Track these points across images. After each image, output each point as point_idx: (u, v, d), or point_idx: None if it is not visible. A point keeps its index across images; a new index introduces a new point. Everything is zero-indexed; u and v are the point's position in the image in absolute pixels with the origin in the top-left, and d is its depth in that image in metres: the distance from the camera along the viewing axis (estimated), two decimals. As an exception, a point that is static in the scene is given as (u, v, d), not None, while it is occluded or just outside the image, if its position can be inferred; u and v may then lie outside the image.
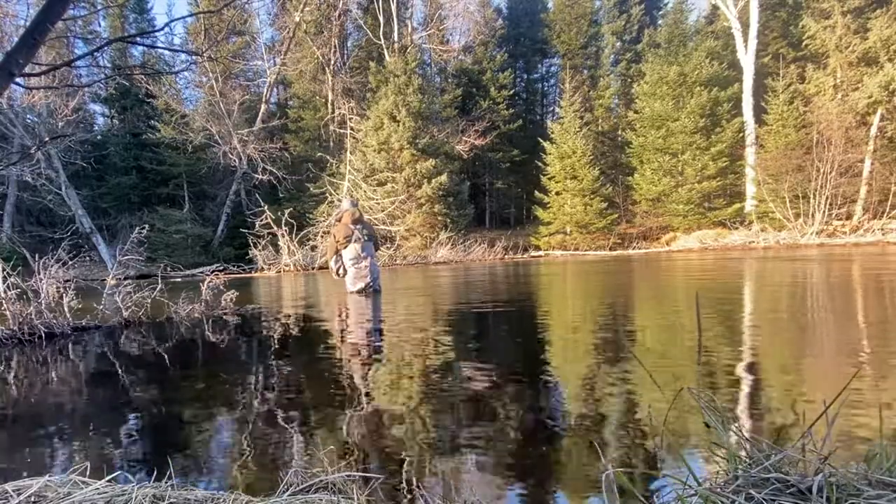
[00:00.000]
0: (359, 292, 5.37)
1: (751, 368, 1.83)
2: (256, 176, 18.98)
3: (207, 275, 6.49)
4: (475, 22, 26.48)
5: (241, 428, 1.44)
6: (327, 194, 17.52)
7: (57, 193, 17.01)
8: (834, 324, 2.68)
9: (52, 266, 3.79)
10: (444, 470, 1.10)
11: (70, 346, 3.00)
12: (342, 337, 3.00)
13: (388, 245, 15.72)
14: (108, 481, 0.91)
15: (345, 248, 5.46)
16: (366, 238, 5.46)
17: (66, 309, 3.51)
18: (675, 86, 18.90)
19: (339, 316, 4.06)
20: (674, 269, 8.29)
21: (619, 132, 23.22)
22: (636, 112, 20.59)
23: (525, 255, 18.90)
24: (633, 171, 20.51)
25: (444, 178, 18.37)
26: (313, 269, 14.39)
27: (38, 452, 1.32)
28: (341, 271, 5.60)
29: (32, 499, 0.85)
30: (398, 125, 18.56)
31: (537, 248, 20.49)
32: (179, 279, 12.09)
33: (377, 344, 2.73)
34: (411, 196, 18.13)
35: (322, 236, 15.83)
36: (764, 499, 0.71)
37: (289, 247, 14.47)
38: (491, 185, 27.16)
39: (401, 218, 17.50)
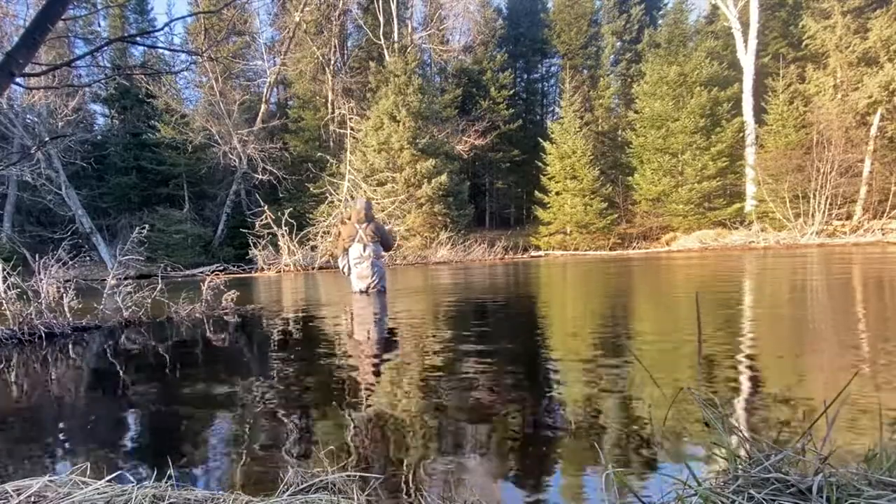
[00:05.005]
0: (361, 292, 5.38)
1: (751, 368, 1.83)
2: (256, 176, 18.97)
3: (207, 275, 6.49)
4: (475, 22, 26.50)
5: (241, 428, 1.44)
6: (327, 194, 17.52)
7: (57, 193, 17.00)
8: (834, 324, 2.68)
9: (52, 266, 3.79)
10: (443, 470, 1.10)
11: (70, 346, 2.99)
12: (342, 337, 3.00)
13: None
14: (108, 481, 0.91)
15: (351, 247, 5.49)
16: (370, 239, 5.47)
17: (66, 309, 3.51)
18: (675, 86, 18.89)
19: (340, 316, 4.06)
20: (674, 269, 8.28)
21: (619, 132, 23.22)
22: (636, 112, 20.59)
23: (525, 255, 18.90)
24: (633, 171, 20.51)
25: (444, 178, 18.37)
26: (313, 269, 14.38)
27: (38, 452, 1.32)
28: (346, 269, 5.63)
29: (32, 499, 0.85)
30: (398, 125, 18.55)
31: (537, 248, 20.49)
32: (179, 279, 12.08)
33: (377, 344, 2.73)
34: (411, 196, 18.12)
35: (322, 236, 15.82)
36: (764, 499, 0.71)
37: (289, 247, 14.46)
38: (491, 185, 27.16)
39: (401, 218, 17.49)
